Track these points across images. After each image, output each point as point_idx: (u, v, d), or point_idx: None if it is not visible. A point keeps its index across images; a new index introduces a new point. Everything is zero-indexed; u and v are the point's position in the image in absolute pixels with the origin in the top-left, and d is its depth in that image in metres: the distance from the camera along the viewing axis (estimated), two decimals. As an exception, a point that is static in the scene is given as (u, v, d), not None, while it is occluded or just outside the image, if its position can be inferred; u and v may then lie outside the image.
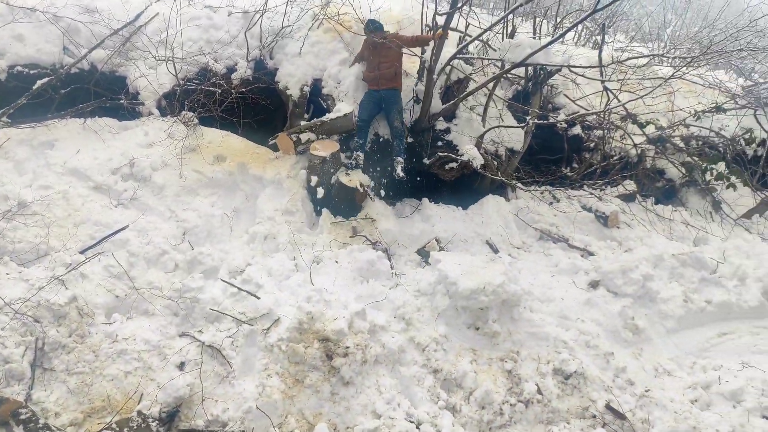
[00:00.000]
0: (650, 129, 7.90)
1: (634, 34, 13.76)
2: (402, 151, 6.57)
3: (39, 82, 6.11)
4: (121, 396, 4.01)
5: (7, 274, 4.61)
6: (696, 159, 8.16)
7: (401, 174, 6.48)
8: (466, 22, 6.95)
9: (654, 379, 5.23)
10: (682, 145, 8.23)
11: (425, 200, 6.87)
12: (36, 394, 3.89)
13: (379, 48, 6.30)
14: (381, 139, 6.82)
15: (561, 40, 6.49)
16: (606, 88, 6.41)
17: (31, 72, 6.41)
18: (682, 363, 5.51)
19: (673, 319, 5.81)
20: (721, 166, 8.23)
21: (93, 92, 6.40)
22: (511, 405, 4.64)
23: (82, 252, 4.98)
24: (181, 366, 4.27)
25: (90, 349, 4.20)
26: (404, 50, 6.54)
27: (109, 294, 4.65)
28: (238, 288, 4.85)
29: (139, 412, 3.72)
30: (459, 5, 6.18)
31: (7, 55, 6.40)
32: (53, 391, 3.96)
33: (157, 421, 3.71)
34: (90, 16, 6.64)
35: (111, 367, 4.14)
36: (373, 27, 6.37)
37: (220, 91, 6.34)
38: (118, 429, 3.52)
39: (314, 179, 6.15)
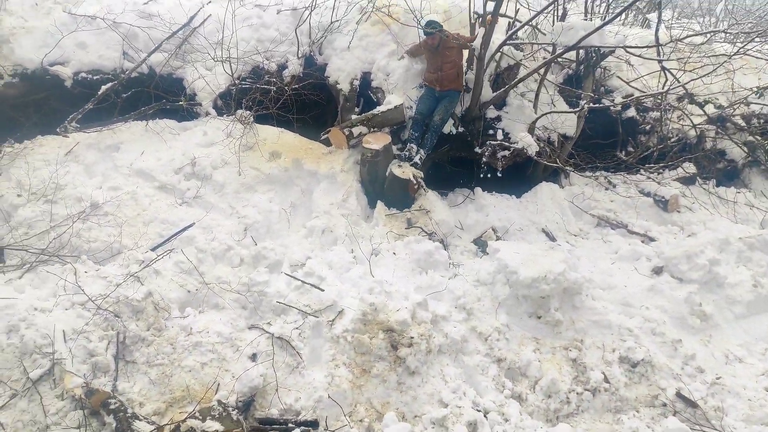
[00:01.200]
0: (709, 108, 7.62)
1: (681, 11, 13.24)
2: (430, 146, 6.58)
3: (104, 87, 6.38)
4: (199, 386, 4.18)
5: (86, 272, 4.86)
6: (759, 138, 7.84)
7: (415, 161, 6.36)
8: (516, 6, 6.84)
9: (725, 366, 5.11)
10: (743, 123, 7.92)
11: (478, 189, 6.85)
12: (121, 385, 4.11)
13: (441, 49, 6.28)
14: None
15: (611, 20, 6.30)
16: (664, 68, 6.22)
17: (95, 78, 6.68)
18: (752, 349, 5.36)
19: (742, 305, 5.66)
20: (787, 145, 7.89)
21: (153, 95, 6.60)
22: (577, 394, 4.61)
23: (153, 249, 5.19)
24: (254, 357, 4.42)
25: (168, 341, 4.40)
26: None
27: (182, 289, 4.84)
28: (302, 281, 4.97)
29: (219, 401, 3.88)
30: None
31: (71, 63, 6.68)
32: (136, 383, 4.17)
33: (236, 410, 3.86)
34: (147, 21, 6.86)
35: (188, 358, 4.32)
36: (432, 28, 6.21)
37: (275, 88, 6.46)
38: (201, 417, 3.68)
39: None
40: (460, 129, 6.85)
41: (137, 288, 4.65)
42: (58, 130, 6.16)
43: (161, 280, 4.84)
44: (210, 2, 7.25)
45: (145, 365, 4.27)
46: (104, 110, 6.54)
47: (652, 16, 10.11)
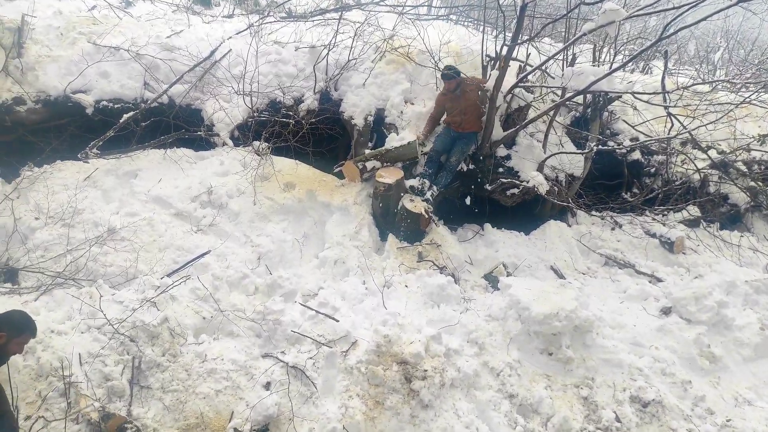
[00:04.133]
0: (712, 154, 7.83)
1: (679, 57, 13.66)
2: (444, 184, 6.76)
3: (125, 116, 6.52)
4: (213, 414, 4.17)
5: (101, 296, 4.89)
6: (760, 184, 8.02)
7: (427, 197, 6.56)
8: (527, 50, 7.10)
9: (734, 408, 5.11)
10: (745, 169, 8.12)
11: (487, 225, 6.95)
12: (135, 410, 4.10)
13: (461, 93, 6.50)
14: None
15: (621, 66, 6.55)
16: (670, 114, 6.42)
17: (116, 106, 6.82)
18: (761, 392, 5.38)
19: (750, 347, 5.69)
20: (787, 191, 8.06)
21: (172, 124, 6.75)
22: (590, 432, 4.61)
23: (168, 275, 5.24)
24: (267, 386, 4.42)
25: (182, 368, 4.39)
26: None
27: (197, 315, 4.86)
28: (317, 311, 5.00)
29: (235, 430, 3.87)
30: (520, 41, 6.35)
31: (93, 91, 6.84)
32: (150, 408, 4.15)
33: (251, 439, 3.85)
34: (169, 53, 7.07)
35: (202, 385, 4.31)
36: (453, 74, 6.43)
37: (293, 122, 6.63)
38: (217, 445, 3.67)
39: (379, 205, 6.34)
40: (471, 166, 7.01)
41: (153, 313, 4.67)
42: (79, 155, 6.28)
43: (177, 306, 4.86)
44: (230, 38, 7.49)
45: (160, 391, 4.26)
46: (123, 138, 6.66)
47: (655, 63, 10.47)
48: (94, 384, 4.14)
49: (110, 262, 5.34)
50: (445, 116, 6.83)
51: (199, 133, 6.69)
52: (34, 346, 4.17)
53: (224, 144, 6.84)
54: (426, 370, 4.59)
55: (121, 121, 6.49)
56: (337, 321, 4.90)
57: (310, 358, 4.65)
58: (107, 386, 4.14)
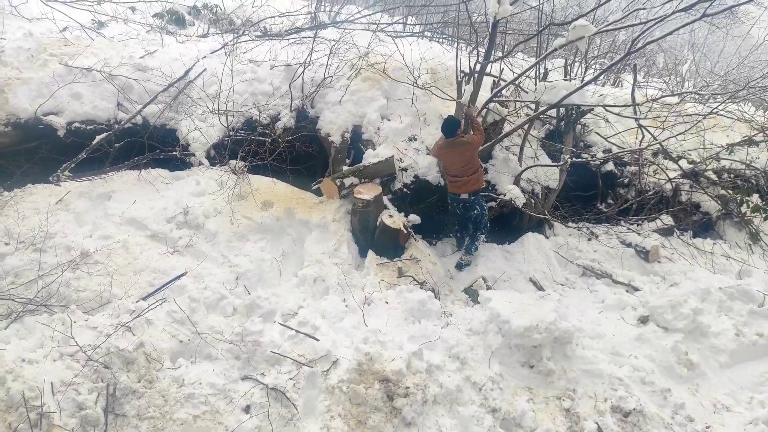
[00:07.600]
0: (683, 164, 8.01)
1: (648, 70, 14.01)
2: (485, 231, 6.76)
3: (98, 137, 6.43)
4: (191, 440, 4.08)
5: (74, 322, 4.76)
6: (730, 192, 8.22)
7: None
8: (500, 66, 7.21)
9: (713, 415, 5.17)
10: (715, 178, 8.32)
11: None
12: (110, 439, 3.99)
13: (458, 148, 6.30)
14: (420, 180, 7.01)
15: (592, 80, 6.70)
16: (641, 126, 6.57)
17: (88, 128, 6.72)
18: (739, 398, 5.45)
19: (726, 354, 5.77)
20: (755, 198, 8.26)
21: (147, 145, 6.67)
22: (572, 444, 4.61)
23: (144, 299, 5.14)
24: (247, 409, 4.34)
25: (159, 393, 4.29)
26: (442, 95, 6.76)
27: (174, 339, 4.76)
28: (296, 331, 4.95)
29: (214, 456, 3.78)
30: (493, 58, 6.45)
31: (65, 113, 6.73)
32: (126, 437, 4.04)
33: (231, 465, 3.77)
34: (143, 73, 7.01)
35: (180, 411, 4.22)
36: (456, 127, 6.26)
37: (270, 140, 6.61)
38: (196, 473, 3.58)
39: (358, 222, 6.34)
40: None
41: (128, 338, 4.57)
42: (50, 179, 6.16)
43: (153, 330, 4.76)
44: (205, 57, 7.47)
45: (136, 418, 4.15)
46: (96, 160, 6.56)
47: (624, 76, 10.72)
48: (66, 414, 4.01)
49: (83, 287, 5.21)
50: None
51: (174, 153, 6.63)
52: (4, 375, 4.05)
53: (200, 164, 6.78)
54: (408, 387, 4.56)
55: (93, 142, 6.40)
56: (318, 340, 4.85)
57: (291, 379, 4.58)
58: (80, 415, 4.02)
